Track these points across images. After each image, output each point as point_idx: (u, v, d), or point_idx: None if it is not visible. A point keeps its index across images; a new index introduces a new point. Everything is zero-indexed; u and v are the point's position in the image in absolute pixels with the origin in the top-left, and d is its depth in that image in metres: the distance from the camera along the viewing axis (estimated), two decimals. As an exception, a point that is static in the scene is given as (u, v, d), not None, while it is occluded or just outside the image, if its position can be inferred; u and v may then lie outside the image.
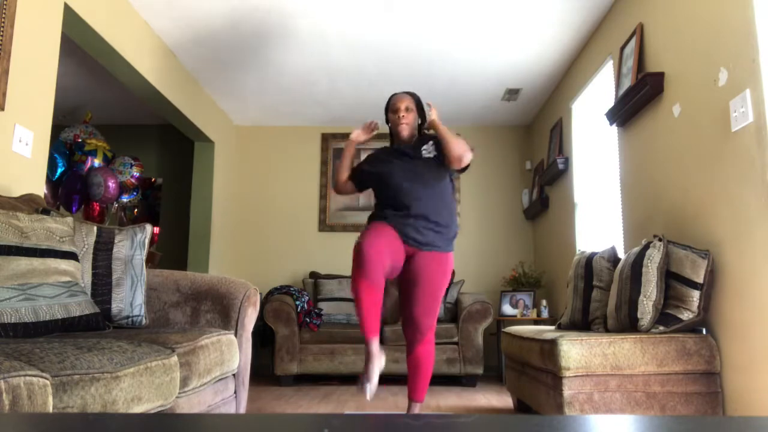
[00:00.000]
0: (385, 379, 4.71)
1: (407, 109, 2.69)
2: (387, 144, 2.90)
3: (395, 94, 2.77)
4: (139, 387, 1.39)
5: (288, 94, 4.98)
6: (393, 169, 2.63)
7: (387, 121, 2.80)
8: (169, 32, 3.90)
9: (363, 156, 5.30)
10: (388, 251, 2.41)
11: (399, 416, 0.65)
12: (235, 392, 2.26)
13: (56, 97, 5.15)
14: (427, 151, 2.67)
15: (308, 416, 0.66)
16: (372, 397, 2.39)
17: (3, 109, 2.42)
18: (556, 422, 0.61)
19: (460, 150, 2.55)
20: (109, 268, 2.10)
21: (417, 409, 2.57)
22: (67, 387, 1.16)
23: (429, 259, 2.54)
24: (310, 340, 4.47)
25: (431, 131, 2.77)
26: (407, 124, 2.69)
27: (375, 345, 2.32)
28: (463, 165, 2.58)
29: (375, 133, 2.85)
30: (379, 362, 2.32)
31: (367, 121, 2.88)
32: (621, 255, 3.18)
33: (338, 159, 5.61)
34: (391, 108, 2.74)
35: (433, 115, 2.65)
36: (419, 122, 2.77)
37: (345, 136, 5.68)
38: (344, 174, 2.81)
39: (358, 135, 2.80)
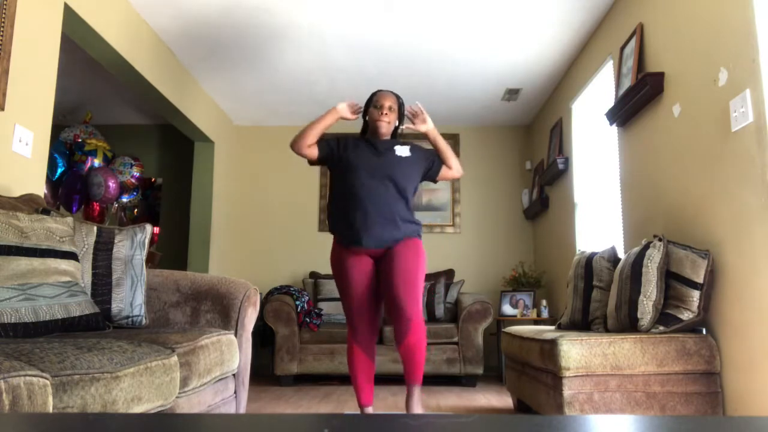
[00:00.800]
0: (385, 379, 4.71)
1: (390, 109, 2.70)
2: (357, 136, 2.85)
3: (381, 91, 2.77)
4: (139, 387, 1.39)
5: (288, 94, 4.98)
6: (361, 159, 2.62)
7: (364, 115, 2.79)
8: (169, 32, 3.90)
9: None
10: (372, 294, 2.60)
11: (399, 416, 0.65)
12: (235, 392, 2.26)
13: (56, 97, 5.15)
14: (401, 151, 2.69)
15: (308, 416, 0.66)
16: None
17: (3, 109, 2.42)
18: (556, 422, 0.61)
19: (457, 163, 2.77)
20: (109, 268, 2.10)
21: (417, 391, 2.55)
22: (67, 387, 1.16)
23: (399, 247, 2.56)
24: (310, 340, 4.47)
25: (403, 129, 2.82)
26: (388, 123, 2.69)
27: (369, 411, 2.51)
28: (457, 177, 2.81)
29: (356, 117, 2.82)
30: None
31: (356, 104, 2.81)
32: (621, 255, 3.18)
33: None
34: (374, 103, 2.73)
35: (429, 124, 2.71)
36: (396, 125, 2.79)
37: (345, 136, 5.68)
38: (314, 137, 2.68)
39: (345, 109, 2.74)
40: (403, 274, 2.49)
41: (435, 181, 2.84)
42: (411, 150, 2.73)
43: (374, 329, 2.63)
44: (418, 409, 2.51)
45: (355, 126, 5.20)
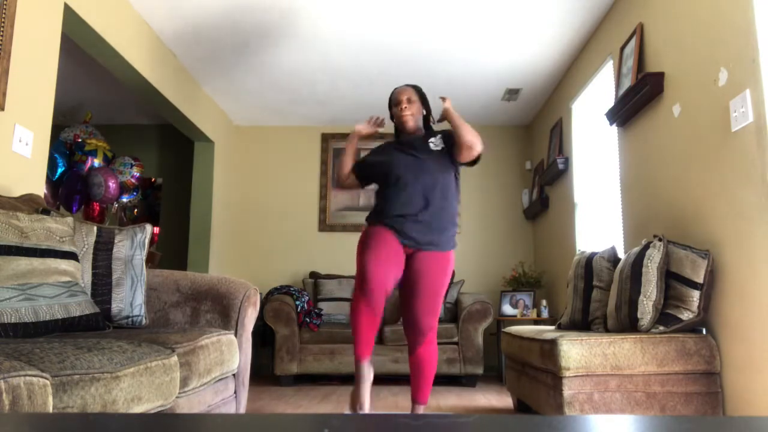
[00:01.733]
0: (385, 379, 4.71)
1: (409, 101, 2.65)
2: (391, 140, 2.85)
3: (396, 88, 2.74)
4: (139, 387, 1.39)
5: (288, 94, 4.98)
6: (398, 159, 2.58)
7: (392, 117, 2.76)
8: (169, 32, 3.90)
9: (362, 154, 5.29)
10: (391, 270, 2.42)
11: (399, 416, 0.65)
12: (235, 392, 2.26)
13: (56, 97, 5.15)
14: (435, 144, 2.61)
15: (308, 416, 0.66)
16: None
17: (3, 109, 2.42)
18: (556, 422, 0.61)
19: (472, 137, 2.52)
20: (109, 268, 2.10)
21: (421, 411, 2.53)
22: (67, 387, 1.16)
23: (429, 258, 2.50)
24: (310, 340, 4.47)
25: (438, 123, 2.76)
26: (411, 115, 2.64)
27: (365, 367, 2.39)
28: (474, 154, 2.54)
29: (380, 129, 2.77)
30: (368, 384, 2.38)
31: (373, 116, 2.78)
32: (621, 255, 3.18)
33: (338, 159, 5.61)
34: (393, 102, 2.70)
35: (447, 104, 2.58)
36: (424, 114, 2.72)
37: (345, 136, 5.68)
38: (347, 167, 2.74)
39: (363, 127, 2.73)
40: (429, 296, 2.47)
41: (463, 164, 2.65)
42: (443, 139, 2.64)
43: (386, 288, 2.43)
44: None
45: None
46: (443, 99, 2.62)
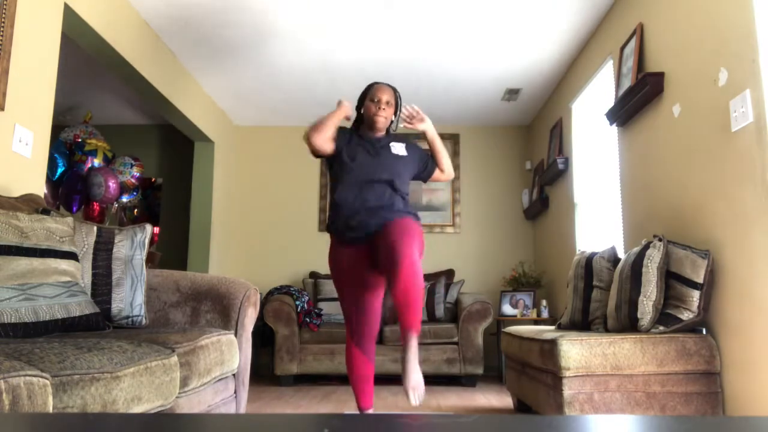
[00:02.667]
0: (386, 379, 4.71)
1: (388, 103, 2.62)
2: (350, 129, 2.77)
3: (378, 83, 2.68)
4: (139, 387, 1.39)
5: (288, 94, 4.98)
6: (358, 157, 2.57)
7: (359, 107, 2.70)
8: (169, 32, 3.90)
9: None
10: (375, 301, 2.56)
11: (399, 416, 0.65)
12: (235, 392, 2.26)
13: (56, 97, 5.15)
14: (396, 149, 2.64)
15: (308, 416, 0.66)
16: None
17: (3, 109, 2.42)
18: (556, 422, 0.61)
19: (450, 167, 2.77)
20: (109, 268, 2.10)
21: (415, 341, 2.24)
22: (67, 387, 1.16)
23: (392, 221, 2.42)
24: (310, 340, 4.47)
25: (394, 130, 2.76)
26: (385, 118, 2.62)
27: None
28: (448, 179, 2.79)
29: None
30: None
31: (349, 104, 2.71)
32: (621, 255, 3.18)
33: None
34: (371, 96, 2.64)
35: (428, 125, 2.67)
36: (392, 120, 2.70)
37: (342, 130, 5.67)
38: (332, 131, 2.58)
39: (350, 108, 2.68)
40: (398, 229, 2.31)
41: (425, 182, 2.82)
42: (407, 148, 2.68)
43: (374, 330, 2.58)
44: (414, 364, 2.21)
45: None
46: (414, 116, 2.64)
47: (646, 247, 2.44)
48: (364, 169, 2.54)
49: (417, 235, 2.34)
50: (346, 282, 2.56)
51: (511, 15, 3.65)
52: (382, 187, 2.54)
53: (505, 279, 5.33)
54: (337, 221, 2.57)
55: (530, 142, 5.64)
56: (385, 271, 2.31)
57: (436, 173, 2.77)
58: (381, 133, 2.68)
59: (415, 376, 2.20)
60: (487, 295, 5.01)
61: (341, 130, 2.68)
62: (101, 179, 4.18)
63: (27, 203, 2.16)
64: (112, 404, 1.28)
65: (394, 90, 2.69)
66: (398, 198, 2.58)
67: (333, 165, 2.64)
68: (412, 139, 2.86)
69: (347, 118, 2.74)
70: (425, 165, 2.74)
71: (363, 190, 2.52)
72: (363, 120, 2.70)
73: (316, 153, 2.60)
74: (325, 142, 2.58)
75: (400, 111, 2.73)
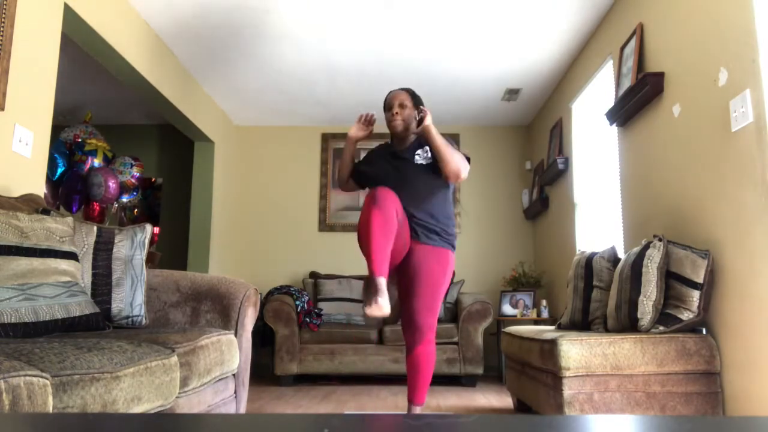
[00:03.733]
0: (386, 379, 4.71)
1: (401, 106, 2.61)
2: (386, 142, 2.84)
3: (391, 92, 2.70)
4: (139, 387, 1.39)
5: (288, 94, 4.98)
6: (383, 173, 2.60)
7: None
8: (168, 32, 3.90)
9: (363, 153, 5.30)
10: (399, 204, 2.40)
11: (399, 416, 0.65)
12: (235, 392, 2.26)
13: (56, 97, 5.15)
14: (421, 156, 2.58)
15: (308, 416, 0.66)
16: (389, 309, 2.14)
17: (3, 109, 2.42)
18: (556, 422, 0.61)
19: (456, 166, 2.48)
20: (109, 268, 2.10)
21: (417, 412, 2.50)
22: (67, 387, 1.16)
23: (428, 252, 2.48)
24: (310, 340, 4.47)
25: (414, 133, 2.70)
26: (402, 121, 2.61)
27: (382, 282, 2.16)
28: (460, 180, 2.54)
29: (372, 127, 2.70)
30: (384, 297, 2.13)
31: (362, 114, 2.68)
32: (621, 255, 3.18)
33: (338, 158, 5.60)
34: (386, 106, 2.68)
35: (427, 120, 2.48)
36: (417, 117, 2.60)
37: (345, 136, 5.68)
38: (345, 172, 2.77)
39: (356, 132, 2.68)
40: (427, 291, 2.43)
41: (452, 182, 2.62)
42: (430, 151, 2.58)
43: (394, 212, 2.28)
44: None
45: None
46: (422, 115, 2.50)
47: (646, 247, 2.44)
48: (385, 179, 2.57)
49: (443, 288, 2.49)
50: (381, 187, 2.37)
51: (511, 15, 3.65)
52: (405, 196, 2.50)
53: (505, 279, 5.33)
54: None
55: (530, 142, 5.64)
56: (404, 329, 2.48)
57: (446, 176, 2.54)
58: (406, 139, 2.66)
59: None
60: (487, 295, 5.01)
61: (369, 154, 2.79)
62: (101, 179, 4.18)
63: (27, 203, 2.16)
64: (112, 404, 1.28)
65: (407, 90, 2.68)
66: (425, 213, 2.50)
67: (367, 185, 2.75)
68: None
69: (370, 131, 2.69)
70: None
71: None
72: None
73: (350, 191, 2.82)
74: (348, 186, 2.78)
75: (421, 107, 2.62)
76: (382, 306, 2.11)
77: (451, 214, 2.62)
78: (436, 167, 2.55)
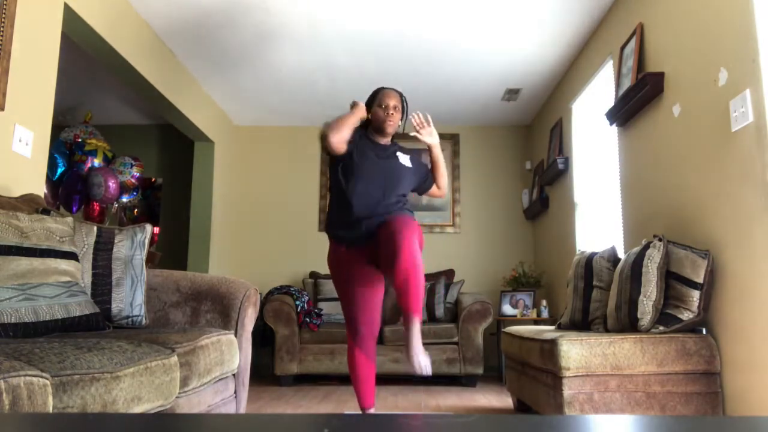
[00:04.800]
0: (386, 379, 4.71)
1: (395, 109, 2.66)
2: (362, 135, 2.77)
3: (385, 89, 2.72)
4: (139, 387, 1.39)
5: (288, 94, 4.98)
6: (367, 162, 2.59)
7: (368, 111, 2.71)
8: (168, 32, 3.90)
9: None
10: (376, 303, 2.57)
11: (399, 416, 0.65)
12: (235, 392, 2.26)
13: (56, 97, 5.15)
14: (403, 160, 2.68)
15: (308, 416, 0.66)
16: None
17: (3, 109, 2.42)
18: (556, 422, 0.61)
19: (445, 183, 2.83)
20: (109, 268, 2.10)
21: (418, 325, 2.25)
22: (67, 387, 1.16)
23: (389, 219, 2.46)
24: (310, 340, 4.47)
25: (404, 132, 2.81)
26: (393, 123, 2.66)
27: (371, 412, 2.48)
28: (440, 195, 2.87)
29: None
30: None
31: (364, 106, 2.69)
32: (621, 255, 3.18)
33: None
34: (379, 102, 2.66)
35: (435, 137, 2.69)
36: (399, 124, 2.73)
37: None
38: (348, 132, 2.57)
39: (363, 111, 2.65)
40: (396, 219, 2.37)
41: (419, 195, 2.89)
42: (412, 161, 2.72)
43: (375, 330, 2.60)
44: (419, 347, 2.21)
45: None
46: (424, 126, 2.67)
47: (646, 247, 2.44)
48: (372, 171, 2.57)
49: (415, 228, 2.39)
50: (346, 282, 2.57)
51: (511, 15, 3.65)
52: (386, 190, 2.57)
53: (505, 279, 5.33)
54: (337, 222, 2.60)
55: (530, 142, 5.64)
56: (384, 263, 2.34)
57: (432, 189, 2.84)
58: (388, 139, 2.73)
59: (420, 359, 2.20)
60: (487, 295, 5.01)
61: (353, 138, 2.72)
62: (101, 179, 4.18)
63: (27, 203, 2.16)
64: (112, 404, 1.28)
65: (401, 95, 2.73)
66: (400, 201, 2.62)
67: (341, 164, 2.61)
68: (416, 152, 2.87)
69: (361, 119, 2.74)
70: (424, 179, 2.79)
71: (369, 191, 2.55)
72: (371, 124, 2.73)
73: (331, 151, 2.60)
74: (342, 143, 2.60)
75: (407, 115, 2.77)
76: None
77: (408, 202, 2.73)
78: (411, 172, 2.71)
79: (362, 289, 2.55)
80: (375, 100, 2.70)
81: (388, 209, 2.56)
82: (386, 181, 2.58)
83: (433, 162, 2.75)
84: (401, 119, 2.74)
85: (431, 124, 2.72)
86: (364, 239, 2.53)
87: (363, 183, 2.55)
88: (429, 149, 2.72)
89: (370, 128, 2.74)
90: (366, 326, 2.56)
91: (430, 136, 2.69)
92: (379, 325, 2.63)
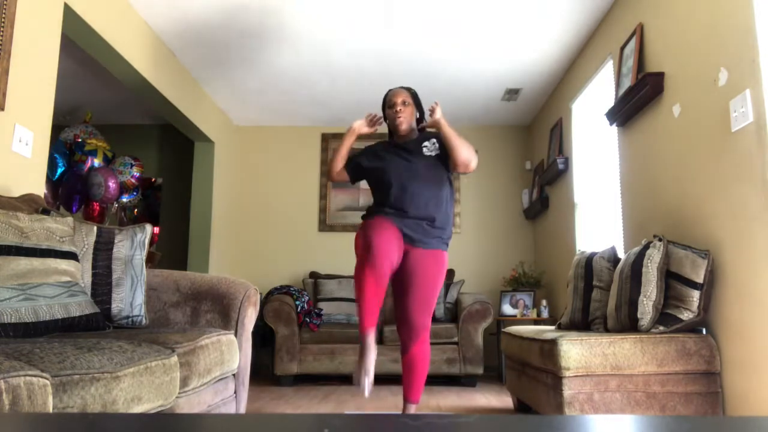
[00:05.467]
0: (385, 379, 4.71)
1: (404, 104, 2.66)
2: (385, 140, 2.86)
3: (391, 90, 2.74)
4: (139, 387, 1.39)
5: (288, 94, 4.98)
6: (390, 165, 2.60)
7: (385, 118, 2.76)
8: (169, 32, 3.90)
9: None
10: (394, 244, 2.39)
11: (399, 416, 0.65)
12: (235, 392, 2.26)
13: (56, 97, 5.14)
14: (429, 149, 2.63)
15: (308, 416, 0.66)
16: (370, 393, 2.31)
17: (3, 109, 2.42)
18: (556, 422, 0.61)
19: (467, 155, 2.55)
20: (109, 268, 2.10)
21: (413, 410, 2.52)
22: (67, 387, 1.16)
23: (423, 255, 2.51)
24: (310, 340, 4.47)
25: (432, 129, 2.70)
26: (405, 119, 2.65)
27: (371, 337, 2.32)
28: (469, 170, 2.61)
29: (377, 128, 2.77)
30: (373, 355, 2.32)
31: (371, 114, 2.76)
32: (621, 255, 3.18)
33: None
34: (387, 103, 2.70)
35: (437, 114, 2.56)
36: (417, 117, 2.74)
37: (373, 146, 5.68)
38: (340, 162, 2.73)
39: (360, 126, 2.72)
40: (422, 293, 2.47)
41: (458, 173, 2.72)
42: (439, 141, 2.65)
43: (393, 260, 2.38)
44: None
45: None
46: (432, 109, 2.58)
47: (646, 247, 2.44)
48: (400, 174, 2.56)
49: (438, 289, 2.53)
50: (375, 225, 2.39)
51: (512, 15, 3.65)
52: (421, 192, 2.53)
53: (505, 279, 5.33)
54: (378, 210, 2.57)
55: (530, 142, 5.64)
56: (400, 329, 2.51)
57: (455, 165, 2.61)
58: (410, 135, 2.70)
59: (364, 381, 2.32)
60: (487, 295, 5.01)
61: (373, 147, 2.76)
62: (101, 179, 4.18)
63: (27, 203, 2.16)
64: (112, 404, 1.27)
65: (408, 89, 2.72)
66: (435, 205, 2.54)
67: (370, 180, 2.70)
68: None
69: (373, 131, 2.75)
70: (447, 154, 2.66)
71: (403, 196, 2.53)
72: (390, 129, 2.75)
73: (339, 182, 2.71)
74: (339, 175, 2.73)
75: (422, 108, 2.76)
76: (365, 390, 2.28)
77: (451, 214, 2.65)
78: (444, 159, 2.61)
79: (389, 232, 2.38)
80: (385, 104, 2.74)
81: (424, 230, 2.50)
82: (416, 180, 2.54)
83: (444, 139, 2.57)
84: (418, 112, 2.72)
85: (437, 105, 2.60)
86: (400, 224, 2.48)
87: (395, 187, 2.55)
88: (439, 129, 2.59)
89: (393, 135, 2.76)
90: (384, 251, 2.32)
91: (432, 117, 2.59)
92: (395, 265, 2.42)
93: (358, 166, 2.76)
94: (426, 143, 2.64)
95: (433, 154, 2.62)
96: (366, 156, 2.75)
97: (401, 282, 2.51)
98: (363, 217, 2.63)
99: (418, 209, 2.51)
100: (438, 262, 2.53)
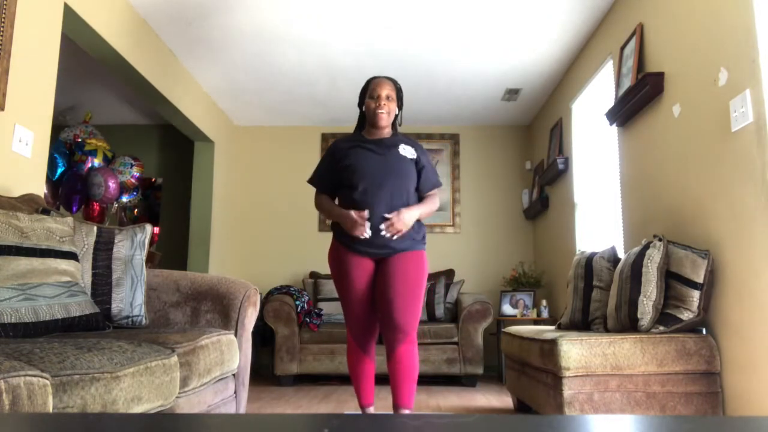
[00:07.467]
0: (385, 379, 4.71)
1: (388, 98, 2.47)
2: (349, 135, 2.65)
3: (376, 78, 2.52)
4: (139, 387, 1.39)
5: (288, 94, 4.98)
6: (366, 160, 2.42)
7: (360, 105, 2.56)
8: (169, 32, 3.90)
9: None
10: (368, 288, 2.47)
11: (399, 416, 0.65)
12: (235, 392, 2.26)
13: (56, 97, 5.15)
14: (405, 151, 2.48)
15: (308, 416, 0.66)
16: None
17: (3, 109, 2.42)
18: (556, 422, 0.61)
19: (433, 209, 2.53)
20: (109, 268, 2.10)
21: (406, 412, 2.41)
22: (67, 387, 1.16)
23: (399, 259, 2.40)
24: (310, 340, 4.47)
25: (398, 134, 2.58)
26: (387, 113, 2.47)
27: (370, 410, 2.52)
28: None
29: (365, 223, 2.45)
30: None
31: (360, 223, 2.40)
32: (621, 255, 3.18)
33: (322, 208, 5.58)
34: (370, 93, 2.49)
35: (398, 225, 2.37)
36: (396, 114, 2.55)
37: (345, 136, 5.68)
38: (325, 215, 2.58)
39: (362, 232, 2.39)
40: (406, 294, 2.34)
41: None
42: (417, 151, 2.52)
43: (374, 329, 2.53)
44: None
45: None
46: (391, 225, 2.36)
47: (646, 247, 2.44)
48: (373, 172, 2.40)
49: (422, 289, 2.45)
50: (347, 284, 2.46)
51: (512, 15, 3.65)
52: (389, 189, 2.39)
53: (505, 279, 5.33)
54: (345, 234, 2.45)
55: (530, 142, 5.64)
56: (384, 333, 2.46)
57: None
58: (386, 131, 2.54)
59: None
60: (487, 295, 5.01)
61: (339, 147, 2.54)
62: (101, 179, 4.18)
63: (27, 203, 2.16)
64: (112, 404, 1.28)
65: (394, 82, 2.53)
66: (410, 204, 2.45)
67: (342, 175, 2.48)
68: (423, 149, 2.63)
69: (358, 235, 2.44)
70: (424, 179, 2.54)
71: (374, 196, 2.38)
72: (366, 120, 2.56)
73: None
74: (323, 204, 2.60)
75: (402, 106, 2.60)
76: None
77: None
78: (415, 166, 2.49)
79: (362, 289, 2.44)
80: (366, 91, 2.53)
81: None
82: (390, 178, 2.39)
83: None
84: (399, 109, 2.55)
85: (400, 216, 2.37)
86: (371, 254, 2.43)
87: (365, 183, 2.38)
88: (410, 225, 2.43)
89: (366, 126, 2.57)
90: (365, 323, 2.49)
91: (401, 225, 2.37)
92: (378, 326, 2.53)
93: (330, 176, 2.55)
94: (403, 145, 2.49)
95: (409, 157, 2.47)
96: (334, 158, 2.54)
97: (384, 285, 2.39)
98: (333, 229, 2.53)
99: (389, 208, 2.37)
100: (419, 263, 2.42)
